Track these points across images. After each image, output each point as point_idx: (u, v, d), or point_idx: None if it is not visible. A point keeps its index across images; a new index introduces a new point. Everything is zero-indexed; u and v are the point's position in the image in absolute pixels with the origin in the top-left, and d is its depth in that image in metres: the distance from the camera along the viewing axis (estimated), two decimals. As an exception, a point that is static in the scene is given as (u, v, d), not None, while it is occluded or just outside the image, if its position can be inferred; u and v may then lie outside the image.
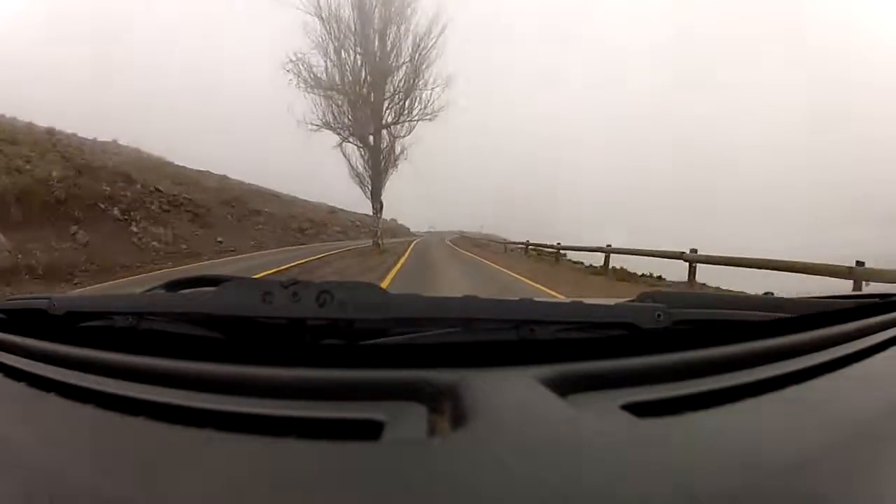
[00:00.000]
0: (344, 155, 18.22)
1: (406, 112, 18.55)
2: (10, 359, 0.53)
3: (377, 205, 19.34)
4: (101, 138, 21.54)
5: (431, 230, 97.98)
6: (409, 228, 60.87)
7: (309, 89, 17.06)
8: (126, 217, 12.57)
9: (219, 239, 15.76)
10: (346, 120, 17.76)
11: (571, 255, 14.76)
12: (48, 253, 9.03)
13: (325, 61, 17.29)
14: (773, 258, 6.25)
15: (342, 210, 38.38)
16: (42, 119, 16.45)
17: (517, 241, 21.04)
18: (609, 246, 11.01)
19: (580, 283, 9.20)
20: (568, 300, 0.59)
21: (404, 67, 18.24)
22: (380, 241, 18.42)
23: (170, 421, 0.37)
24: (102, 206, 11.98)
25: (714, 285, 7.35)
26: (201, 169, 24.35)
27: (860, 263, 5.08)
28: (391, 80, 18.19)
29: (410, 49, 18.23)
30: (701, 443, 0.34)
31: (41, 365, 0.51)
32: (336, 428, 0.37)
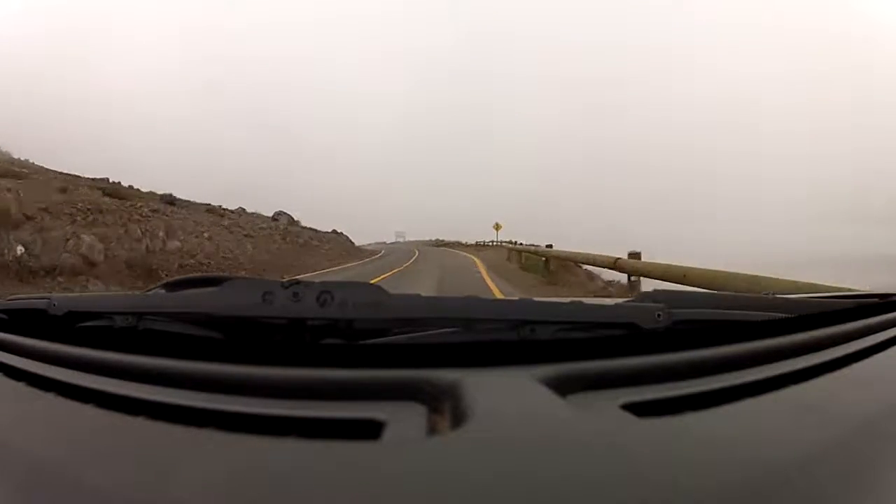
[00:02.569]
0: None
1: None
2: (10, 359, 0.53)
3: None
4: None
5: (400, 241, 79.78)
6: (351, 240, 31.73)
7: None
8: None
9: None
10: None
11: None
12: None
13: None
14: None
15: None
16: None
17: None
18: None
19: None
20: (568, 300, 0.59)
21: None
22: None
23: (170, 421, 0.37)
24: None
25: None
26: None
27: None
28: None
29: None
30: (701, 443, 0.34)
31: (41, 365, 0.51)
32: (336, 428, 0.37)
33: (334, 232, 30.24)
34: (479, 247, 36.25)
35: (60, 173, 14.94)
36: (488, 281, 10.23)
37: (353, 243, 31.53)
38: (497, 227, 33.55)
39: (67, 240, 8.71)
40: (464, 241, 49.36)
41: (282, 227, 21.05)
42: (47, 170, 15.38)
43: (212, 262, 11.49)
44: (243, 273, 10.56)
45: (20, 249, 8.02)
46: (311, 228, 25.00)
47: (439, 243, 57.86)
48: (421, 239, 79.67)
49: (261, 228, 18.27)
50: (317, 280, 0.56)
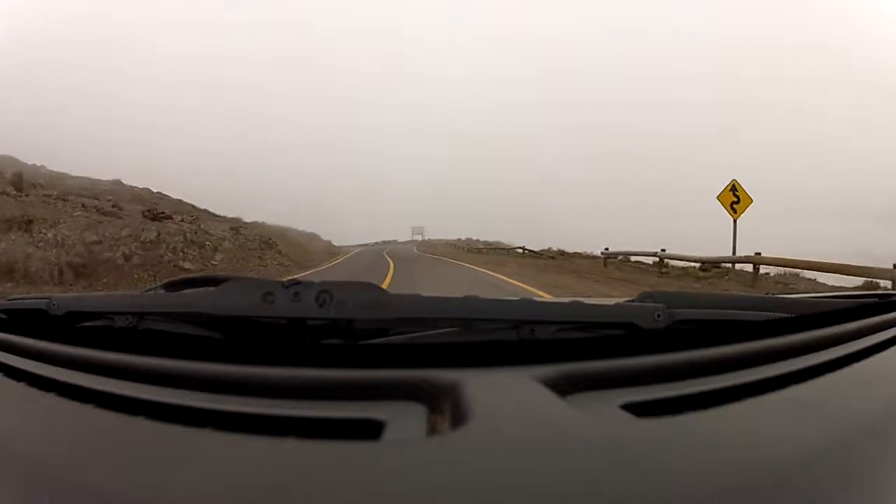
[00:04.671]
0: None
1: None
2: (10, 359, 0.53)
3: None
4: None
5: (417, 239, 66.51)
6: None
7: None
8: None
9: None
10: None
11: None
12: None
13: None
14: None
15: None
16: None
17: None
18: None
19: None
20: (568, 300, 0.59)
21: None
22: None
23: (170, 421, 0.37)
24: None
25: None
26: None
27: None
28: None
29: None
30: (701, 443, 0.34)
31: (41, 365, 0.51)
32: (336, 428, 0.37)
33: (231, 226, 15.87)
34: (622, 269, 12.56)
35: None
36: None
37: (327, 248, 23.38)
38: (737, 199, 9.56)
39: None
40: (507, 244, 28.89)
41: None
42: None
43: None
44: None
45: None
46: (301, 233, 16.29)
47: (468, 248, 34.65)
48: (443, 238, 59.92)
49: None
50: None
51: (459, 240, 52.35)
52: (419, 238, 70.96)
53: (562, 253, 20.30)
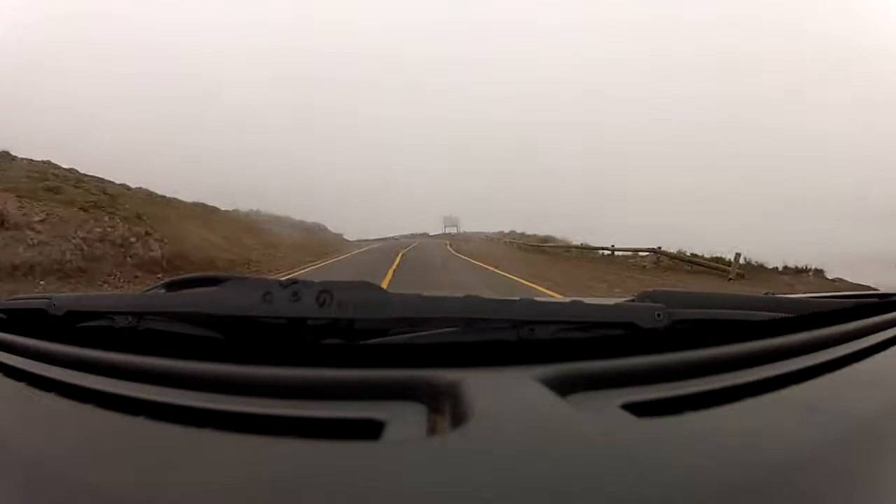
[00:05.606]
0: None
1: None
2: (10, 359, 0.53)
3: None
4: None
5: (451, 232, 58.35)
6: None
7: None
8: None
9: None
10: None
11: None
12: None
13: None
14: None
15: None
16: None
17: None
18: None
19: None
20: (568, 300, 0.59)
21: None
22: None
23: (170, 421, 0.37)
24: None
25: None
26: None
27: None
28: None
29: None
30: (701, 443, 0.34)
31: (41, 365, 0.51)
32: (336, 428, 0.37)
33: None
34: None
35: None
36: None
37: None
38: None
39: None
40: (560, 239, 22.92)
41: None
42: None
43: None
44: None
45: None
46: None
47: (512, 241, 27.53)
48: (481, 231, 51.74)
49: None
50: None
51: (502, 233, 42.49)
52: (453, 231, 59.95)
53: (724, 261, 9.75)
